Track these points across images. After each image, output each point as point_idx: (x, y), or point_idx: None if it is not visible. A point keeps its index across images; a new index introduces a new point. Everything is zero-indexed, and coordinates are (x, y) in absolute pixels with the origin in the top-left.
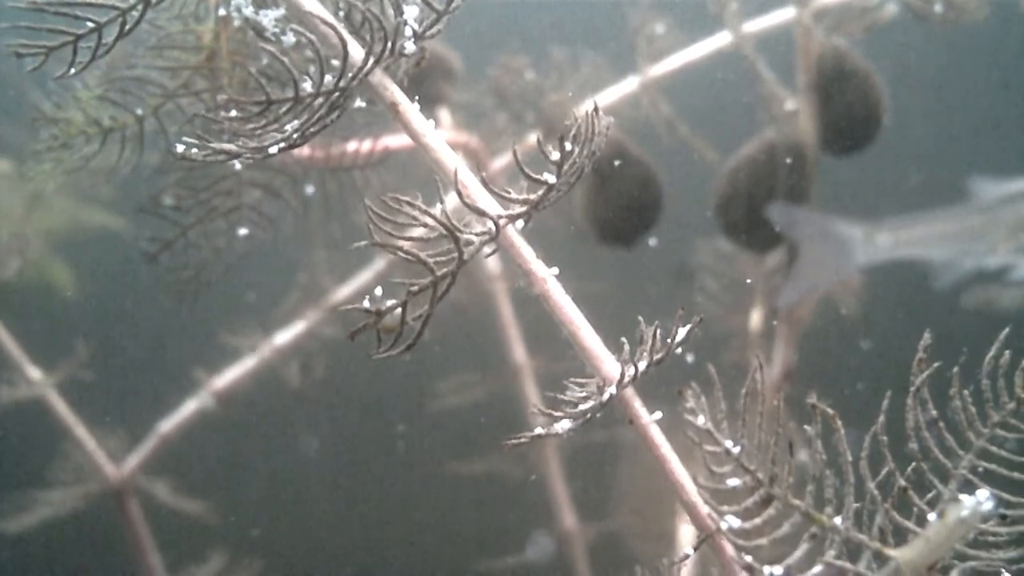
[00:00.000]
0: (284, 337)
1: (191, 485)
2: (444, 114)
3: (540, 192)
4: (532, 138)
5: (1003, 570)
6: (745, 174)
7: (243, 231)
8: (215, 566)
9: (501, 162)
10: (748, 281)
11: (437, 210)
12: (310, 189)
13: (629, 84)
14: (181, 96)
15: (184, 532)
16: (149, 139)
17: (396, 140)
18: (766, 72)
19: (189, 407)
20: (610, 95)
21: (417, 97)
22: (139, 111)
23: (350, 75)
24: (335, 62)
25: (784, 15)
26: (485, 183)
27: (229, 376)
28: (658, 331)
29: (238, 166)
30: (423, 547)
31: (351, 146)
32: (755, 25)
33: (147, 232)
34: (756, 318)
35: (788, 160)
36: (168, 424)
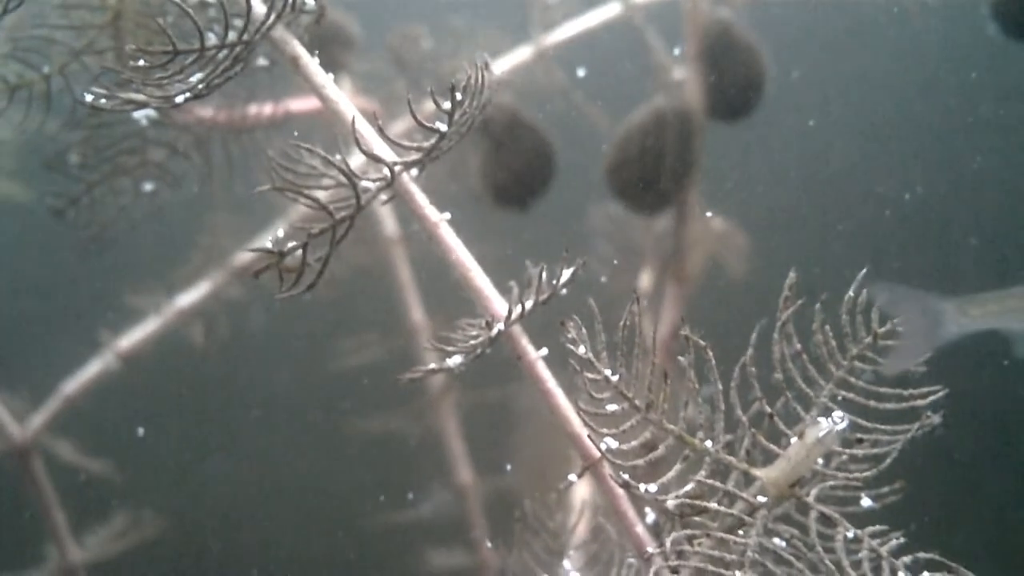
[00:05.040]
0: (188, 298)
1: (95, 445)
2: (344, 81)
3: (432, 140)
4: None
5: (862, 493)
6: (635, 140)
7: (148, 187)
8: (118, 525)
9: (399, 127)
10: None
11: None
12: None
13: (524, 53)
14: (86, 54)
15: (88, 491)
16: (54, 99)
17: (298, 103)
18: (655, 42)
19: (93, 367)
20: (506, 63)
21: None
22: (46, 69)
23: (253, 29)
24: (238, 22)
25: None
26: (382, 133)
27: (133, 336)
28: (543, 273)
29: (144, 122)
30: (322, 505)
31: (254, 108)
32: None
33: (53, 191)
34: (646, 279)
35: (676, 126)
36: (72, 384)
